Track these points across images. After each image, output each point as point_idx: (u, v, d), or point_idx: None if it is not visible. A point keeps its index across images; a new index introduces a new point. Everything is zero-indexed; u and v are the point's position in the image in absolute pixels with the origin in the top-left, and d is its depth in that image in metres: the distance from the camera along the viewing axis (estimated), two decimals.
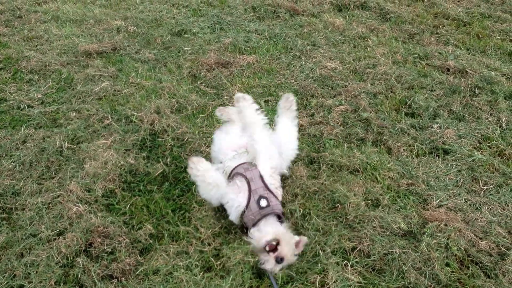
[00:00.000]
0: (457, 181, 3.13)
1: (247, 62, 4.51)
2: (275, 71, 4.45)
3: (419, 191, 3.03)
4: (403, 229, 2.73)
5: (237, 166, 2.80)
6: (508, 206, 2.93)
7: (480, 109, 3.81)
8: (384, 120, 3.71)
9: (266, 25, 5.34)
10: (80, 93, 4.07)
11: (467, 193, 3.03)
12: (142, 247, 2.67)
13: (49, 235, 2.69)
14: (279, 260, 2.40)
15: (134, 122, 3.67)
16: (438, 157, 3.35)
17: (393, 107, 3.89)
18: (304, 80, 4.25)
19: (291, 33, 5.11)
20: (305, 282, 2.42)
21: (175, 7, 5.87)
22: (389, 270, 2.51)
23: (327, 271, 2.46)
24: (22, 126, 3.65)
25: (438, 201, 2.94)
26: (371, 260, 2.56)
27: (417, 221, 2.79)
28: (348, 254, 2.59)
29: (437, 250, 2.57)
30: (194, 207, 2.92)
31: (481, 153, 3.34)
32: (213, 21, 5.42)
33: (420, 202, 2.96)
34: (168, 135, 3.51)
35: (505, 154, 3.37)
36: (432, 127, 3.61)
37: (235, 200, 2.66)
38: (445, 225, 2.72)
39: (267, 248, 2.42)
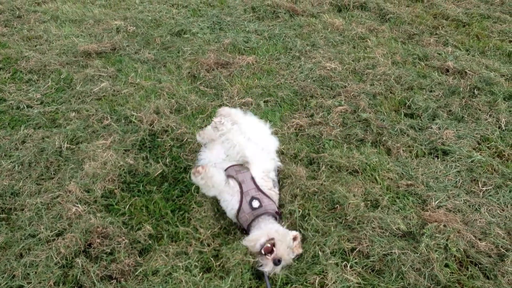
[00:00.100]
0: (456, 182, 3.13)
1: (246, 63, 4.51)
2: (275, 71, 4.45)
3: (419, 192, 3.03)
4: (402, 230, 2.73)
5: (229, 167, 2.84)
6: (507, 207, 2.93)
7: (480, 110, 3.81)
8: (383, 120, 3.71)
9: (265, 25, 5.34)
10: (79, 93, 4.07)
11: (466, 194, 3.03)
12: (141, 248, 2.67)
13: (48, 236, 2.68)
14: (276, 262, 2.41)
15: (134, 122, 3.67)
16: (438, 158, 3.35)
17: (392, 108, 3.89)
18: (304, 81, 4.25)
19: (290, 34, 5.11)
20: (305, 283, 2.42)
21: (175, 7, 5.86)
22: (388, 271, 2.51)
23: (326, 272, 2.46)
24: (21, 126, 3.65)
25: (437, 202, 2.94)
26: (370, 261, 2.56)
27: (417, 222, 2.79)
28: (348, 255, 2.59)
29: (436, 251, 2.57)
30: (193, 207, 2.91)
31: (480, 154, 3.34)
32: (213, 22, 5.42)
33: (419, 203, 2.96)
34: (167, 136, 3.51)
35: (504, 155, 3.37)
36: (431, 128, 3.61)
37: (229, 202, 2.72)
38: (444, 226, 2.72)
39: (263, 252, 2.43)
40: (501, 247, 2.64)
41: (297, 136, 3.58)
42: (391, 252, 2.57)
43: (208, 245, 2.65)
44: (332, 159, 3.24)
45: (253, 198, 2.67)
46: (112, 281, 2.47)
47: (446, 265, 2.54)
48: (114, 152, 3.28)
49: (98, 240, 2.65)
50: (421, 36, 5.06)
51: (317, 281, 2.41)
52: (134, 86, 4.18)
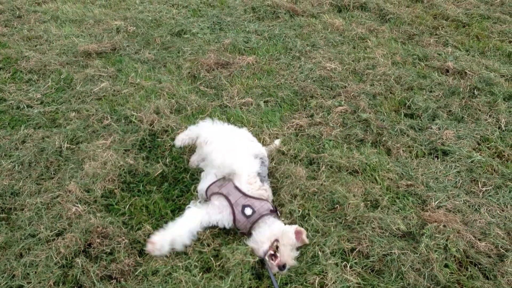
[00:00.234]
0: (456, 182, 3.13)
1: (246, 63, 4.51)
2: (275, 71, 4.45)
3: (418, 192, 3.03)
4: (402, 230, 2.73)
5: (209, 186, 2.79)
6: (507, 207, 2.93)
7: (479, 110, 3.81)
8: (383, 121, 3.72)
9: (265, 25, 5.34)
10: (79, 93, 4.07)
11: (466, 194, 3.03)
12: (141, 248, 2.66)
13: (48, 236, 2.68)
14: (281, 268, 2.43)
15: (134, 122, 3.67)
16: (437, 158, 3.36)
17: (392, 108, 3.89)
18: (304, 81, 4.25)
19: (290, 34, 5.11)
20: (304, 283, 2.42)
21: (175, 7, 5.87)
22: (388, 271, 2.51)
23: (326, 272, 2.46)
24: (21, 126, 3.65)
25: (437, 202, 2.94)
26: (370, 261, 2.56)
27: (416, 222, 2.79)
28: (347, 255, 2.60)
29: (436, 251, 2.57)
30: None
31: (480, 154, 3.34)
32: (213, 22, 5.42)
33: (419, 203, 2.97)
34: (167, 136, 3.51)
35: (504, 155, 3.37)
36: (431, 128, 3.61)
37: (222, 219, 2.69)
38: (444, 226, 2.72)
39: (267, 258, 2.45)
40: (501, 247, 2.65)
41: (297, 136, 3.58)
42: (391, 252, 2.57)
43: (208, 245, 2.65)
44: (332, 159, 3.24)
45: (244, 206, 2.65)
46: (112, 281, 2.47)
47: (446, 265, 2.54)
48: (114, 152, 3.28)
49: (98, 240, 2.65)
50: (421, 37, 5.06)
51: (317, 281, 2.41)
52: (134, 86, 4.18)
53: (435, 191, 3.03)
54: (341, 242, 2.63)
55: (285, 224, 2.68)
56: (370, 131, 3.61)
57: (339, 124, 3.70)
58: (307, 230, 2.71)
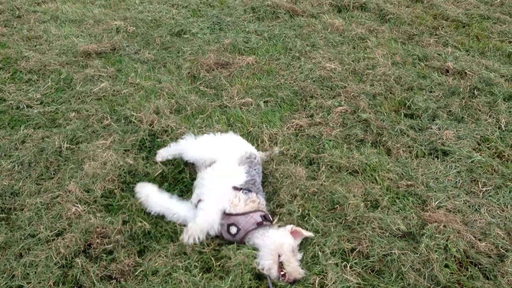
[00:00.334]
0: (456, 182, 3.13)
1: (246, 63, 4.51)
2: (275, 71, 4.45)
3: (418, 192, 3.03)
4: (402, 230, 2.73)
5: (198, 202, 2.76)
6: (507, 207, 2.93)
7: (479, 110, 3.81)
8: (383, 121, 3.71)
9: (265, 25, 5.34)
10: (79, 93, 4.07)
11: (466, 194, 3.03)
12: (141, 248, 2.66)
13: (48, 236, 2.68)
14: (292, 283, 2.40)
15: (133, 122, 3.67)
16: (437, 158, 3.35)
17: (392, 108, 3.89)
18: (304, 81, 4.25)
19: (290, 34, 5.11)
20: (305, 283, 2.42)
21: (175, 7, 5.87)
22: (388, 271, 2.51)
23: (326, 272, 2.45)
24: (21, 126, 3.65)
25: (437, 202, 2.94)
26: (370, 261, 2.56)
27: (416, 223, 2.79)
28: (347, 255, 2.59)
29: (436, 251, 2.57)
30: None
31: (480, 155, 3.34)
32: (213, 22, 5.42)
33: (419, 203, 2.97)
34: (167, 136, 3.51)
35: (504, 155, 3.37)
36: (431, 128, 3.61)
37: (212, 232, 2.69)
38: (444, 226, 2.72)
39: (282, 278, 2.42)
40: (501, 247, 2.64)
41: (297, 136, 3.58)
42: (391, 253, 2.57)
43: (208, 245, 2.65)
44: (332, 160, 3.24)
45: (228, 225, 2.63)
46: (112, 281, 2.47)
47: (446, 266, 2.54)
48: (114, 152, 3.28)
49: (98, 240, 2.65)
50: (421, 37, 5.06)
51: (317, 281, 2.41)
52: (134, 86, 4.18)
53: (435, 191, 3.03)
54: (341, 242, 2.63)
55: (278, 226, 2.66)
56: (370, 131, 3.61)
57: (339, 124, 3.69)
58: (306, 230, 2.71)
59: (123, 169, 3.17)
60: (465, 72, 4.28)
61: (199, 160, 3.08)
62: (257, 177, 2.93)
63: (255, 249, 2.56)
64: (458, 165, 3.26)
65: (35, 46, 4.91)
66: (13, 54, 4.66)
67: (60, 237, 2.66)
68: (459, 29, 5.23)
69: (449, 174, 3.18)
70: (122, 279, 2.48)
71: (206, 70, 4.42)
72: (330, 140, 3.51)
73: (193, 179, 3.12)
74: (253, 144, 3.43)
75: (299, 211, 2.82)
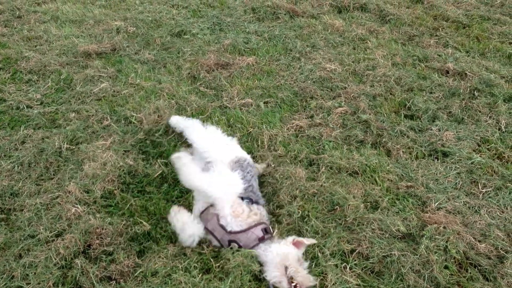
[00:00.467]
0: (456, 183, 3.13)
1: (246, 64, 4.51)
2: (275, 72, 4.45)
3: (418, 193, 3.03)
4: (402, 232, 2.73)
5: (201, 214, 2.72)
6: (507, 209, 2.93)
7: (480, 111, 3.81)
8: (383, 122, 3.71)
9: (265, 26, 5.34)
10: (79, 94, 4.07)
11: (466, 195, 3.03)
12: (140, 249, 2.66)
13: (48, 236, 2.68)
14: None
15: (133, 123, 3.67)
16: (437, 160, 3.35)
17: (392, 109, 3.89)
18: (304, 82, 4.25)
19: (290, 35, 5.11)
20: None
21: (175, 8, 5.86)
22: (388, 272, 2.51)
23: (326, 274, 2.46)
24: (21, 127, 3.65)
25: (437, 203, 2.94)
26: (370, 263, 2.56)
27: (416, 224, 2.79)
28: (347, 256, 2.59)
29: (436, 252, 2.57)
30: (192, 208, 2.91)
31: (480, 156, 3.34)
32: (213, 22, 5.42)
33: (419, 205, 2.96)
34: (167, 136, 3.51)
35: (504, 157, 3.37)
36: (431, 129, 3.61)
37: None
38: (444, 227, 2.72)
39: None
40: (501, 249, 2.64)
41: (297, 137, 3.58)
42: (390, 254, 2.57)
43: (208, 246, 2.65)
44: (332, 161, 3.24)
45: (229, 241, 2.59)
46: (111, 282, 2.47)
47: (446, 267, 2.54)
48: (114, 153, 3.28)
49: (98, 241, 2.65)
50: (421, 38, 5.06)
51: (316, 282, 2.41)
52: (134, 87, 4.18)
53: (435, 193, 3.03)
54: (341, 243, 2.63)
55: (278, 238, 2.63)
56: (370, 132, 3.61)
57: (339, 125, 3.69)
58: (306, 231, 2.71)
59: (123, 170, 3.17)
60: (465, 73, 4.28)
61: (198, 148, 3.06)
62: (254, 182, 2.86)
63: (261, 264, 2.53)
64: (458, 166, 3.26)
65: (35, 46, 4.91)
66: (13, 54, 4.66)
67: (59, 238, 2.67)
68: (460, 30, 5.23)
69: (449, 175, 3.18)
70: (122, 280, 2.48)
71: (206, 70, 4.42)
72: (330, 141, 3.51)
73: None
74: (252, 145, 3.44)
75: (299, 212, 2.82)
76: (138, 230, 2.75)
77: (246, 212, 2.65)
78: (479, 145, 3.48)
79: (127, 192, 3.05)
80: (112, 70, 4.43)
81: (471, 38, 5.04)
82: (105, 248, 2.63)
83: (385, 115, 3.81)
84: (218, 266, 2.52)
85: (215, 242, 2.64)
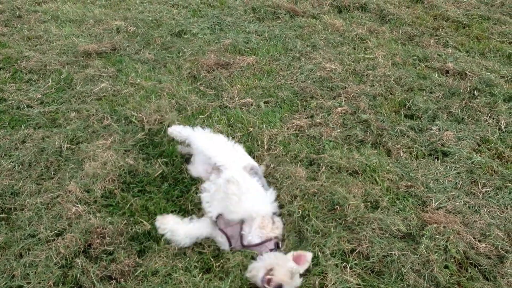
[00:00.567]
0: (456, 183, 3.13)
1: (246, 63, 4.51)
2: (275, 72, 4.45)
3: (418, 193, 3.03)
4: (402, 231, 2.73)
5: (218, 216, 2.67)
6: (507, 208, 2.93)
7: (480, 111, 3.82)
8: (383, 122, 3.72)
9: (266, 26, 5.34)
10: (79, 93, 4.07)
11: (466, 195, 3.03)
12: (141, 248, 2.67)
13: (48, 236, 2.68)
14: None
15: (134, 122, 3.67)
16: (437, 159, 3.36)
17: (392, 109, 3.89)
18: (304, 82, 4.25)
19: (291, 34, 5.11)
20: (304, 284, 2.42)
21: (175, 7, 5.87)
22: (388, 272, 2.51)
23: (326, 273, 2.46)
24: (21, 126, 3.65)
25: (437, 203, 2.94)
26: (370, 262, 2.56)
27: (416, 223, 2.79)
28: (347, 256, 2.59)
29: (436, 252, 2.57)
30: (193, 208, 2.91)
31: (480, 156, 3.34)
32: (213, 22, 5.42)
33: (419, 204, 2.97)
34: (167, 136, 3.51)
35: (504, 156, 3.37)
36: (431, 129, 3.61)
37: (223, 244, 2.65)
38: (444, 227, 2.72)
39: (266, 285, 2.34)
40: (501, 248, 2.65)
41: (297, 137, 3.58)
42: (391, 253, 2.57)
43: (208, 246, 2.65)
44: (332, 160, 3.24)
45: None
46: (111, 282, 2.47)
47: (446, 267, 2.54)
48: (114, 152, 3.28)
49: (98, 241, 2.65)
50: (421, 38, 5.06)
51: (317, 282, 2.41)
52: (134, 87, 4.18)
53: (435, 192, 3.03)
54: (341, 243, 2.63)
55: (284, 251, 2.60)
56: (370, 132, 3.61)
57: (339, 125, 3.70)
58: (306, 230, 2.70)
59: (124, 169, 3.17)
60: (465, 73, 4.29)
61: (203, 156, 2.96)
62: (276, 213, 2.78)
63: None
64: (458, 166, 3.26)
65: (36, 46, 4.91)
66: (13, 54, 4.66)
67: (60, 237, 2.67)
68: (460, 30, 5.23)
69: (449, 175, 3.19)
70: (122, 279, 2.49)
71: (206, 70, 4.42)
72: (330, 141, 3.51)
73: (194, 179, 3.12)
74: (253, 145, 3.44)
75: (299, 211, 2.82)
76: (139, 229, 2.75)
77: (270, 225, 2.62)
78: (479, 145, 3.48)
79: (128, 192, 3.05)
80: (112, 69, 4.43)
81: (471, 38, 5.04)
82: (105, 247, 2.63)
83: (385, 114, 3.81)
84: (218, 266, 2.52)
85: (224, 246, 2.62)
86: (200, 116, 3.77)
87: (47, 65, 4.46)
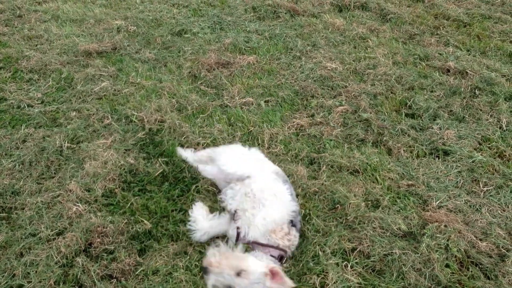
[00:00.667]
0: (457, 182, 3.13)
1: (247, 62, 4.50)
2: (275, 71, 4.44)
3: (419, 192, 3.03)
4: (403, 230, 2.73)
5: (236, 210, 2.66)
6: (508, 207, 2.93)
7: (480, 110, 3.81)
8: (384, 121, 3.71)
9: (266, 25, 5.33)
10: (80, 93, 4.07)
11: (467, 194, 3.03)
12: (141, 247, 2.67)
13: (49, 235, 2.69)
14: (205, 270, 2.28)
15: (134, 122, 3.67)
16: (438, 158, 3.35)
17: (393, 108, 3.89)
18: (304, 81, 4.25)
19: (291, 34, 5.11)
20: (305, 283, 2.42)
21: (175, 7, 5.86)
22: (389, 271, 2.51)
23: (327, 272, 2.46)
24: (22, 126, 3.65)
25: (438, 202, 2.93)
26: (371, 261, 2.56)
27: (417, 222, 2.79)
28: (348, 255, 2.59)
29: (437, 251, 2.57)
30: (193, 207, 2.91)
31: (481, 154, 3.34)
32: (213, 21, 5.41)
33: (420, 203, 2.96)
34: (168, 135, 3.50)
35: (505, 155, 3.37)
36: (432, 128, 3.61)
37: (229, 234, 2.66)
38: (445, 226, 2.71)
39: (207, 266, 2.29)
40: (502, 247, 2.64)
41: (297, 136, 3.58)
42: (391, 252, 2.57)
43: (208, 245, 2.65)
44: (333, 159, 3.24)
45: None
46: (112, 280, 2.47)
47: (447, 265, 2.54)
48: (114, 152, 3.28)
49: (99, 240, 2.65)
50: (422, 36, 5.06)
51: (317, 281, 2.41)
52: (135, 86, 4.18)
53: (436, 191, 3.03)
54: (342, 242, 2.63)
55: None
56: (371, 131, 3.61)
57: (340, 124, 3.69)
58: (307, 230, 2.70)
59: (124, 169, 3.17)
60: (466, 72, 4.28)
61: (229, 173, 2.86)
62: (296, 225, 2.67)
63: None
64: (459, 165, 3.26)
65: (36, 45, 4.91)
66: (14, 54, 4.66)
67: (60, 236, 2.67)
68: (460, 29, 5.22)
69: (450, 174, 3.18)
70: (123, 278, 2.49)
71: (207, 69, 4.42)
72: (331, 140, 3.51)
73: (194, 178, 3.12)
74: (253, 144, 3.43)
75: (300, 211, 2.82)
76: (139, 228, 2.75)
77: (282, 233, 2.56)
78: (480, 144, 3.48)
79: (128, 191, 3.05)
80: (112, 69, 4.43)
81: (472, 36, 5.03)
82: (106, 246, 2.63)
83: (386, 113, 3.80)
84: None
85: (233, 239, 2.61)
86: (201, 115, 3.77)
87: (47, 65, 4.46)
